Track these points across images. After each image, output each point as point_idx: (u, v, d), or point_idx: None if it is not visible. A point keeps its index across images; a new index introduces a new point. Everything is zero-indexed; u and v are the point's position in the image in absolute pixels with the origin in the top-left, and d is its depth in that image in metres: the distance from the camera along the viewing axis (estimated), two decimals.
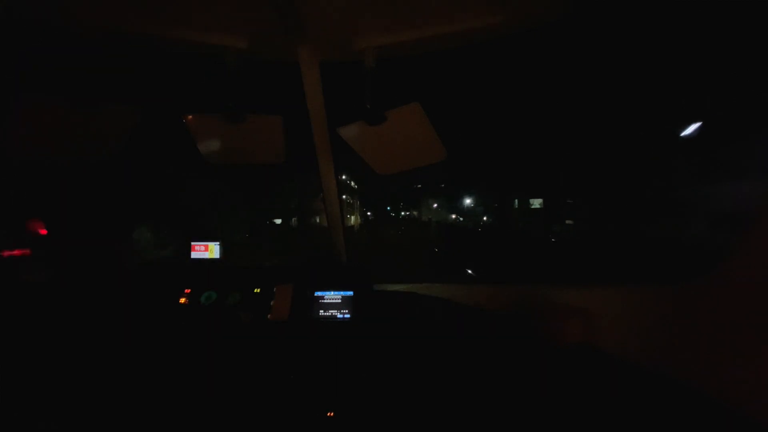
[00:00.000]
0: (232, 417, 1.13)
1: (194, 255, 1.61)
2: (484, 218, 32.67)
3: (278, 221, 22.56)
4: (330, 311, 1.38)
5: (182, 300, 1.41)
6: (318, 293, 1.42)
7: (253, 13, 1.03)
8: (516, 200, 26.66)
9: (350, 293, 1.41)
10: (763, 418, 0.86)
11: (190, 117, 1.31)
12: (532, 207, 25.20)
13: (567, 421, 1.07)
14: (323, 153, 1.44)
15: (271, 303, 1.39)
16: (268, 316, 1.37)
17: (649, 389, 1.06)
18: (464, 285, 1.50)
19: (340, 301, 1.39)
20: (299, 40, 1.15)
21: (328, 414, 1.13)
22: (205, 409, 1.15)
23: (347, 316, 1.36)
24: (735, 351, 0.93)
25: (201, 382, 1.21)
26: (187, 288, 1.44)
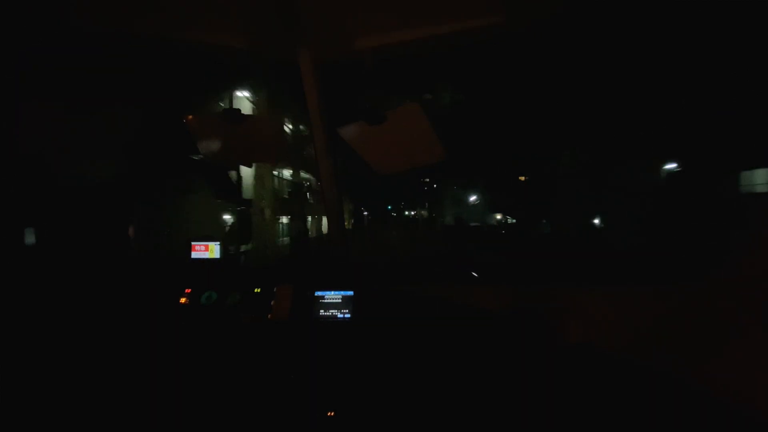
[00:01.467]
0: (233, 417, 1.13)
1: (194, 255, 1.61)
2: (596, 221, 15.52)
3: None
4: (330, 311, 1.38)
5: (182, 300, 1.41)
6: (318, 293, 1.42)
7: (253, 13, 1.03)
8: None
9: (350, 293, 1.41)
10: (763, 419, 0.86)
11: (190, 117, 1.32)
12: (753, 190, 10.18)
13: (567, 421, 1.07)
14: (323, 153, 1.44)
15: (272, 303, 1.39)
16: (269, 316, 1.37)
17: (649, 389, 1.06)
18: (465, 285, 1.50)
19: (340, 301, 1.39)
20: (299, 40, 1.15)
21: (329, 414, 1.13)
22: (206, 409, 1.15)
23: (347, 316, 1.37)
24: (735, 351, 0.93)
25: (201, 382, 1.21)
26: (188, 288, 1.44)
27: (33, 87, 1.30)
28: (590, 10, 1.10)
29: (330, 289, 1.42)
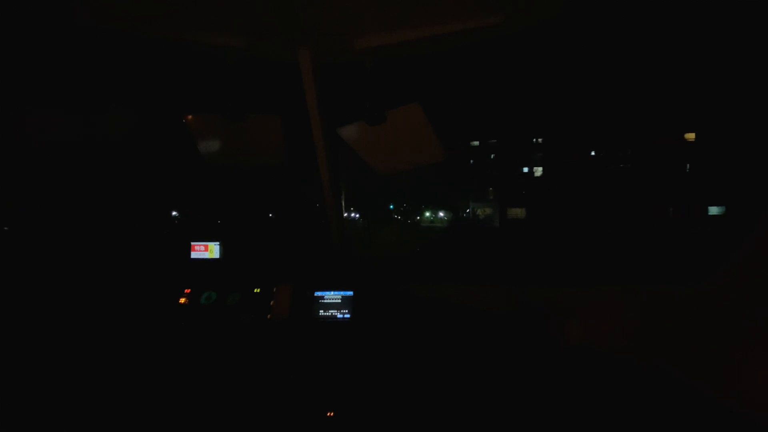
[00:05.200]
0: (232, 417, 1.13)
1: (194, 255, 1.61)
2: None
3: None
4: (330, 311, 1.38)
5: (182, 300, 1.41)
6: (318, 293, 1.41)
7: (253, 13, 1.03)
8: None
9: (350, 293, 1.41)
10: (762, 418, 0.86)
11: (190, 117, 1.31)
12: None
13: (567, 421, 1.07)
14: (323, 153, 1.44)
15: (271, 303, 1.39)
16: (268, 316, 1.37)
17: (648, 389, 1.06)
18: (464, 285, 1.50)
19: (339, 301, 1.39)
20: (299, 40, 1.15)
21: (328, 414, 1.13)
22: (205, 409, 1.15)
23: (347, 316, 1.36)
24: (734, 351, 0.93)
25: (201, 382, 1.21)
26: (187, 288, 1.44)
27: (33, 87, 1.30)
28: (591, 10, 1.10)
29: (330, 289, 1.42)
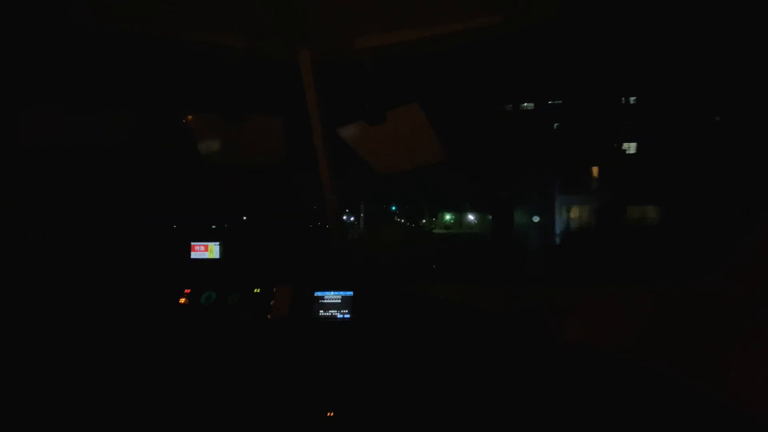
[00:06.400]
0: (232, 417, 1.13)
1: (194, 255, 1.61)
2: None
3: None
4: (330, 311, 1.38)
5: (182, 300, 1.41)
6: (318, 293, 1.42)
7: (253, 13, 1.03)
8: None
9: (350, 293, 1.41)
10: (762, 418, 0.86)
11: (190, 117, 1.32)
12: None
13: (567, 421, 1.07)
14: (323, 153, 1.44)
15: (271, 303, 1.39)
16: (268, 316, 1.37)
17: (649, 389, 1.06)
18: (465, 285, 1.50)
19: (340, 301, 1.39)
20: (299, 40, 1.15)
21: (328, 414, 1.13)
22: (205, 409, 1.15)
23: (347, 316, 1.37)
24: (734, 351, 0.93)
25: (201, 382, 1.21)
26: (187, 288, 1.44)
27: (33, 87, 1.30)
28: (591, 10, 1.10)
29: (330, 289, 1.42)
